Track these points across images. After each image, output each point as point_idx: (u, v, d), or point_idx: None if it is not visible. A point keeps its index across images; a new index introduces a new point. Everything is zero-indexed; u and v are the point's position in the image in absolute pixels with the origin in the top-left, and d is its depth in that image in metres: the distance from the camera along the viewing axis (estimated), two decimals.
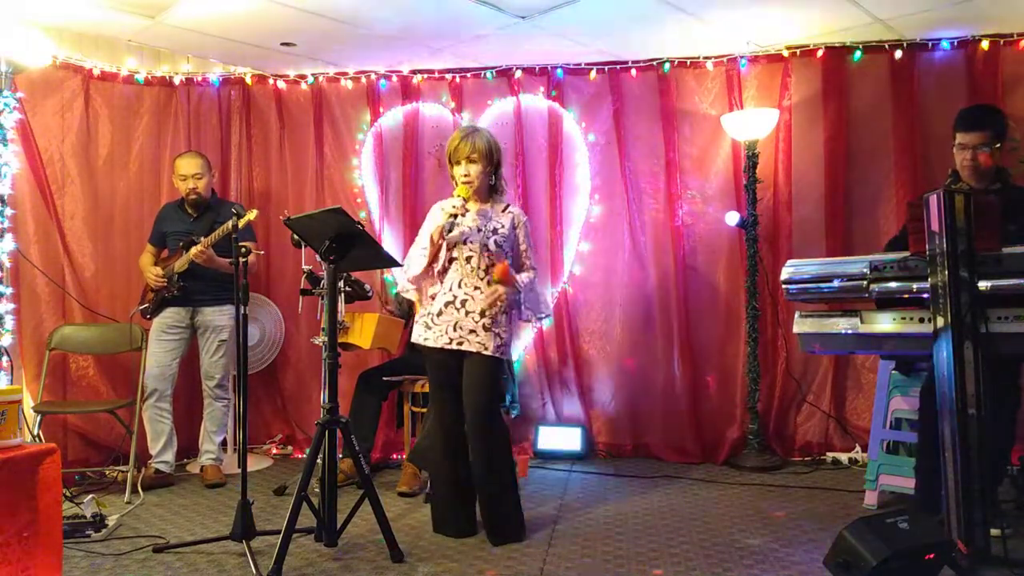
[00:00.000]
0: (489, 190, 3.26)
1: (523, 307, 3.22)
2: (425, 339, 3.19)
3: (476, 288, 3.15)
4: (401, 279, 3.26)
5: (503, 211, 3.26)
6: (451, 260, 3.19)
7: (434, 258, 3.17)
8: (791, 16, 4.03)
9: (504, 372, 3.29)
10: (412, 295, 3.34)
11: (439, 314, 3.17)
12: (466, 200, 3.12)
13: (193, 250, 4.00)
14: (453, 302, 3.15)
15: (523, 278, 3.20)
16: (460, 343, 3.13)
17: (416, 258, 3.21)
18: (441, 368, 3.21)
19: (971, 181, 3.13)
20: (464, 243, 3.16)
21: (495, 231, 3.19)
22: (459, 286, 3.16)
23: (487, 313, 3.11)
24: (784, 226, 4.51)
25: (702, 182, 4.64)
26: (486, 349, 3.12)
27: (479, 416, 3.15)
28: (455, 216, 3.07)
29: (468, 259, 3.16)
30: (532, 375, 4.74)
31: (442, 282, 3.20)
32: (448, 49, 4.47)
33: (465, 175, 3.15)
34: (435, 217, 3.23)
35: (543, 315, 3.37)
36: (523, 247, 3.27)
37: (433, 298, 3.22)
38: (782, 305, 4.45)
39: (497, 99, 4.80)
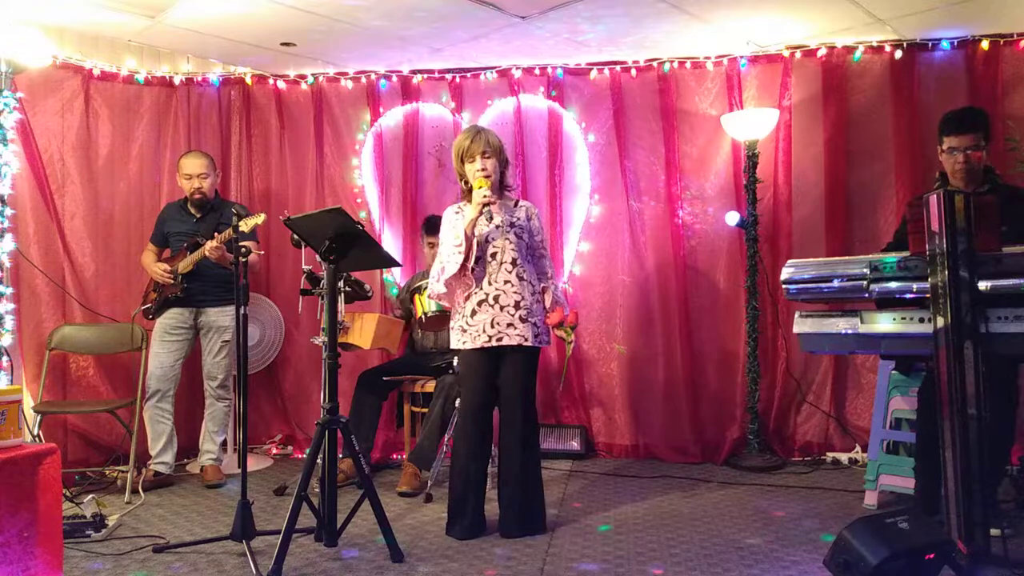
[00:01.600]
0: (499, 187, 3.29)
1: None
2: (464, 343, 3.22)
3: (507, 282, 3.18)
4: (434, 285, 3.27)
5: (515, 206, 3.33)
6: (478, 259, 3.21)
7: (468, 254, 3.17)
8: (791, 16, 4.03)
9: (538, 363, 3.36)
10: (444, 300, 3.32)
11: (472, 315, 3.19)
12: (490, 192, 3.13)
13: (208, 245, 3.96)
14: (486, 299, 3.18)
15: (554, 295, 3.33)
16: (500, 339, 3.17)
17: (452, 256, 3.18)
18: (478, 367, 3.23)
19: (961, 184, 3.12)
20: (488, 240, 3.20)
21: (513, 224, 3.24)
22: (489, 283, 3.19)
23: (522, 304, 3.17)
24: (784, 226, 4.51)
25: (702, 182, 4.64)
26: (527, 341, 3.18)
27: (520, 408, 3.23)
28: (486, 205, 3.11)
29: (494, 255, 3.20)
30: None
31: (475, 281, 3.21)
32: (448, 49, 4.47)
33: (481, 169, 3.17)
34: (452, 220, 3.25)
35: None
36: (539, 237, 3.35)
37: (467, 298, 3.22)
38: (782, 305, 4.45)
39: (497, 99, 4.80)
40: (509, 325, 3.17)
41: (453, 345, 3.30)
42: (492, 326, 3.17)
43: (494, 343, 3.17)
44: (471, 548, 3.10)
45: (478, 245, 3.19)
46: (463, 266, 3.17)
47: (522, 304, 3.18)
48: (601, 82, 4.71)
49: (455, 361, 3.56)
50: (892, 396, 3.63)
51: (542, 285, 3.32)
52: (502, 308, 3.17)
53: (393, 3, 3.80)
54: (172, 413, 4.17)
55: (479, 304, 3.19)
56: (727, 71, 4.57)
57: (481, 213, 3.13)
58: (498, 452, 3.36)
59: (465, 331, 3.22)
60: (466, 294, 3.23)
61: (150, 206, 4.58)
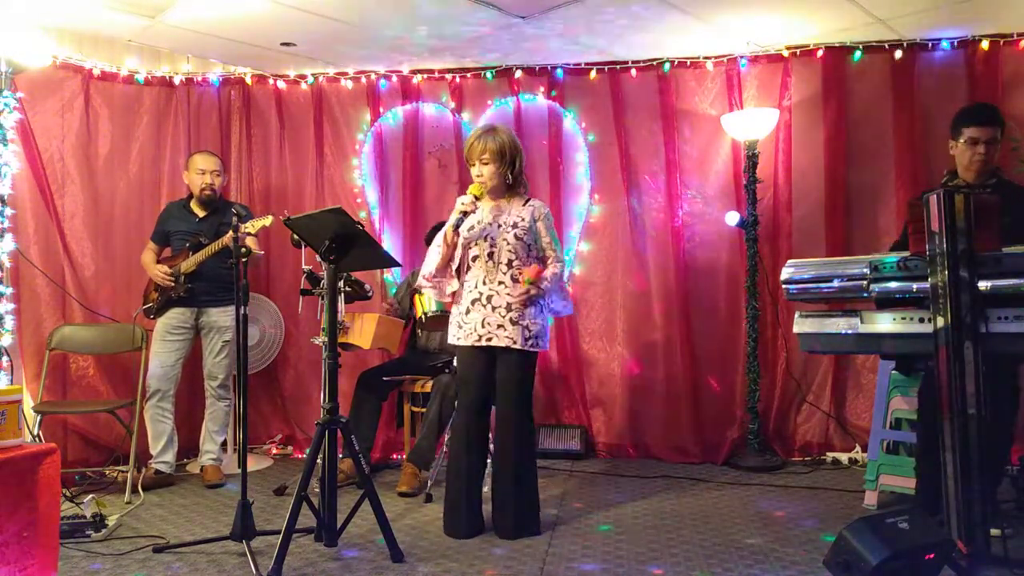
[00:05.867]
0: (506, 188, 3.27)
1: (550, 303, 3.31)
2: (458, 338, 3.26)
3: (500, 283, 3.18)
4: (420, 279, 3.35)
5: (523, 205, 3.27)
6: (474, 258, 3.22)
7: (450, 255, 3.22)
8: (791, 16, 4.03)
9: (535, 365, 3.35)
10: (432, 293, 3.37)
11: (467, 312, 3.22)
12: (478, 197, 3.15)
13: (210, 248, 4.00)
14: (479, 299, 3.19)
15: (548, 274, 3.22)
16: (489, 339, 3.18)
17: (433, 255, 3.27)
18: (472, 365, 3.25)
19: (971, 177, 3.16)
20: (483, 240, 3.20)
21: (515, 225, 3.21)
22: (483, 283, 3.20)
23: (513, 307, 3.15)
24: (784, 226, 4.51)
25: (702, 182, 4.64)
26: (515, 343, 3.17)
27: (514, 408, 3.21)
28: (464, 213, 3.13)
29: (489, 255, 3.20)
30: None
31: (463, 281, 3.24)
32: (448, 49, 4.47)
33: (478, 175, 3.20)
34: (452, 218, 3.26)
35: (567, 311, 3.48)
36: (546, 239, 3.27)
37: (454, 296, 3.27)
38: (782, 305, 4.44)
39: (497, 99, 4.79)
40: (499, 326, 3.17)
41: (450, 340, 3.33)
42: (483, 326, 3.18)
43: (484, 342, 3.19)
44: (471, 548, 3.10)
45: (472, 244, 3.21)
46: (446, 266, 3.22)
47: (514, 306, 3.17)
48: (601, 82, 4.71)
49: (454, 361, 3.57)
50: (892, 396, 3.63)
51: (550, 264, 3.24)
52: (494, 309, 3.17)
53: (393, 3, 3.80)
54: (172, 413, 4.17)
55: (472, 303, 3.21)
56: (727, 71, 4.57)
57: (457, 219, 3.15)
58: (493, 451, 3.36)
59: (460, 327, 3.25)
60: (451, 291, 3.27)
61: (150, 206, 4.57)
